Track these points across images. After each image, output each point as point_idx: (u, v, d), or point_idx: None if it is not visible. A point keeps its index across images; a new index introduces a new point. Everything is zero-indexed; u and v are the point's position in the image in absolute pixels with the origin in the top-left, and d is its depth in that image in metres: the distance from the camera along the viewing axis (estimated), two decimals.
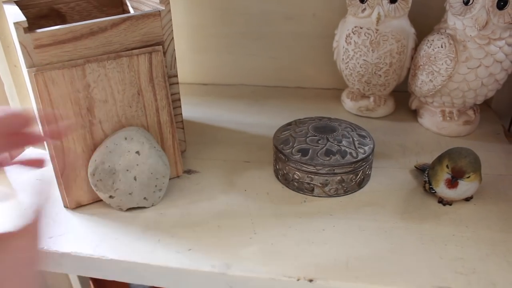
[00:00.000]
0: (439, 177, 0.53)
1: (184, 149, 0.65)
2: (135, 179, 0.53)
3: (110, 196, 0.53)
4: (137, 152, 0.53)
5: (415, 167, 0.61)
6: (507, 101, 0.77)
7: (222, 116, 0.77)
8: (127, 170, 0.53)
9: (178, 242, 0.50)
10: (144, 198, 0.54)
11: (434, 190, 0.54)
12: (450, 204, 0.55)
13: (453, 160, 0.52)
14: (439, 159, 0.54)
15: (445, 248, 0.48)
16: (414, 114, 0.75)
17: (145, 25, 0.55)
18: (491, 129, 0.72)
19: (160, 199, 0.56)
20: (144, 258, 0.48)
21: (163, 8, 0.56)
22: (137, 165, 0.53)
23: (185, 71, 0.89)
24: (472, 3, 0.60)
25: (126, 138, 0.53)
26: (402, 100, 0.78)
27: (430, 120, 0.71)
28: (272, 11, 0.81)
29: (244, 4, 0.81)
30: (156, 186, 0.55)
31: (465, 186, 0.52)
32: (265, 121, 0.73)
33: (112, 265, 0.48)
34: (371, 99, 0.74)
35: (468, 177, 0.52)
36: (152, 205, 0.55)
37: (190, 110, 0.78)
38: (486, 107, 0.79)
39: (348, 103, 0.76)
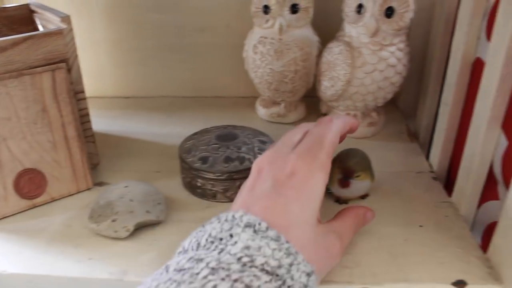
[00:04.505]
0: (333, 178, 0.56)
1: (98, 162, 0.67)
2: (131, 200, 0.54)
3: (113, 220, 0.52)
4: (126, 187, 0.56)
5: None
6: (412, 102, 0.81)
7: (139, 128, 0.79)
8: (122, 198, 0.54)
9: (80, 252, 0.51)
10: (147, 211, 0.54)
11: (330, 190, 0.57)
12: (347, 203, 0.58)
13: (342, 161, 0.55)
14: (332, 161, 0.57)
15: None
16: None
17: (48, 43, 0.56)
18: (396, 129, 0.76)
19: (163, 212, 0.55)
20: (46, 270, 0.49)
21: (65, 26, 0.57)
22: (129, 192, 0.55)
23: (107, 85, 0.90)
24: (363, 12, 0.64)
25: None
26: (315, 105, 0.81)
27: None
28: (186, 23, 0.83)
29: (158, 18, 0.83)
30: (154, 200, 0.56)
31: (357, 185, 0.55)
32: (180, 131, 0.75)
33: (12, 280, 0.49)
34: (282, 105, 0.77)
35: (358, 176, 0.55)
36: (158, 218, 0.54)
37: (109, 123, 0.80)
38: (394, 108, 0.83)
39: (261, 110, 0.79)
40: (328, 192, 0.57)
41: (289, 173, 0.42)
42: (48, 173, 0.58)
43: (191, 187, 0.59)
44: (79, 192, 0.61)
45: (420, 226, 0.54)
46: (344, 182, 0.55)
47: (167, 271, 0.35)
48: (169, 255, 0.49)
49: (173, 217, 0.56)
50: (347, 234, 0.46)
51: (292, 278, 0.35)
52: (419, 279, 0.46)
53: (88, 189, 0.62)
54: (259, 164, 0.45)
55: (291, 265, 0.35)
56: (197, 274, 0.33)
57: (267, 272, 0.34)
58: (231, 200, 0.58)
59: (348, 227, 0.47)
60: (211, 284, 0.32)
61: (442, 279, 0.46)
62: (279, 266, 0.35)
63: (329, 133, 0.46)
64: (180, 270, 0.34)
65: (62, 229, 0.55)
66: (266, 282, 0.33)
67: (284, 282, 0.34)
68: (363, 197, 0.59)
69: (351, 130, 0.51)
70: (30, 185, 0.57)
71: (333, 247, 0.43)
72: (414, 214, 0.56)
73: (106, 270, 0.48)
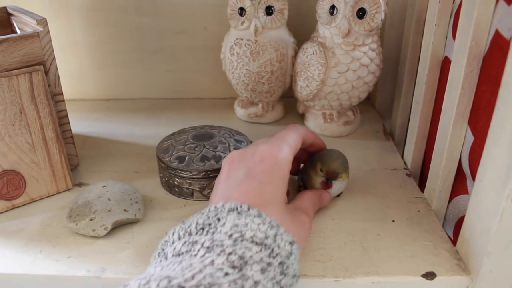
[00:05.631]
0: (314, 181, 0.56)
1: (77, 163, 0.67)
2: (109, 199, 0.55)
3: (91, 219, 0.53)
4: (104, 186, 0.57)
5: None
6: (388, 102, 0.82)
7: (119, 129, 0.79)
8: (100, 197, 0.56)
9: (59, 251, 0.52)
10: (125, 210, 0.55)
11: None
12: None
13: (326, 164, 0.55)
14: (311, 164, 0.57)
15: (308, 241, 0.52)
16: (302, 118, 0.80)
17: (24, 46, 0.56)
18: (373, 128, 0.78)
19: (141, 211, 0.56)
20: (24, 269, 0.49)
21: (41, 29, 0.58)
22: (107, 191, 0.56)
23: (87, 87, 0.91)
24: (336, 13, 0.65)
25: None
26: (292, 105, 0.82)
27: (314, 122, 0.75)
28: (165, 26, 0.84)
29: (137, 20, 0.84)
30: (131, 199, 0.57)
31: (338, 185, 0.56)
32: (160, 132, 0.75)
33: None
34: (260, 106, 0.79)
35: (341, 177, 0.55)
36: (135, 216, 0.55)
37: (90, 125, 0.81)
38: (371, 108, 0.85)
39: (239, 111, 0.81)
40: None
41: (258, 160, 0.47)
42: (27, 174, 0.59)
43: (169, 186, 0.60)
44: (58, 193, 0.62)
45: (393, 221, 0.55)
46: (328, 184, 0.56)
47: (166, 258, 0.39)
48: (147, 253, 0.51)
49: (151, 216, 0.57)
50: (310, 210, 0.52)
51: (278, 247, 0.39)
52: (390, 272, 0.48)
53: (68, 190, 0.63)
54: (229, 158, 0.50)
55: (275, 235, 0.40)
56: (195, 255, 0.37)
57: (257, 243, 0.38)
58: (208, 198, 0.59)
59: (310, 205, 0.52)
60: (209, 260, 0.35)
61: (412, 271, 0.48)
62: (266, 237, 0.39)
63: (291, 133, 0.52)
64: (178, 254, 0.38)
65: (41, 229, 0.55)
66: (257, 252, 0.37)
67: (272, 251, 0.38)
68: (338, 195, 0.60)
69: (313, 145, 0.57)
70: (8, 186, 0.57)
71: (304, 221, 0.48)
72: (388, 210, 0.57)
73: (84, 268, 0.49)
